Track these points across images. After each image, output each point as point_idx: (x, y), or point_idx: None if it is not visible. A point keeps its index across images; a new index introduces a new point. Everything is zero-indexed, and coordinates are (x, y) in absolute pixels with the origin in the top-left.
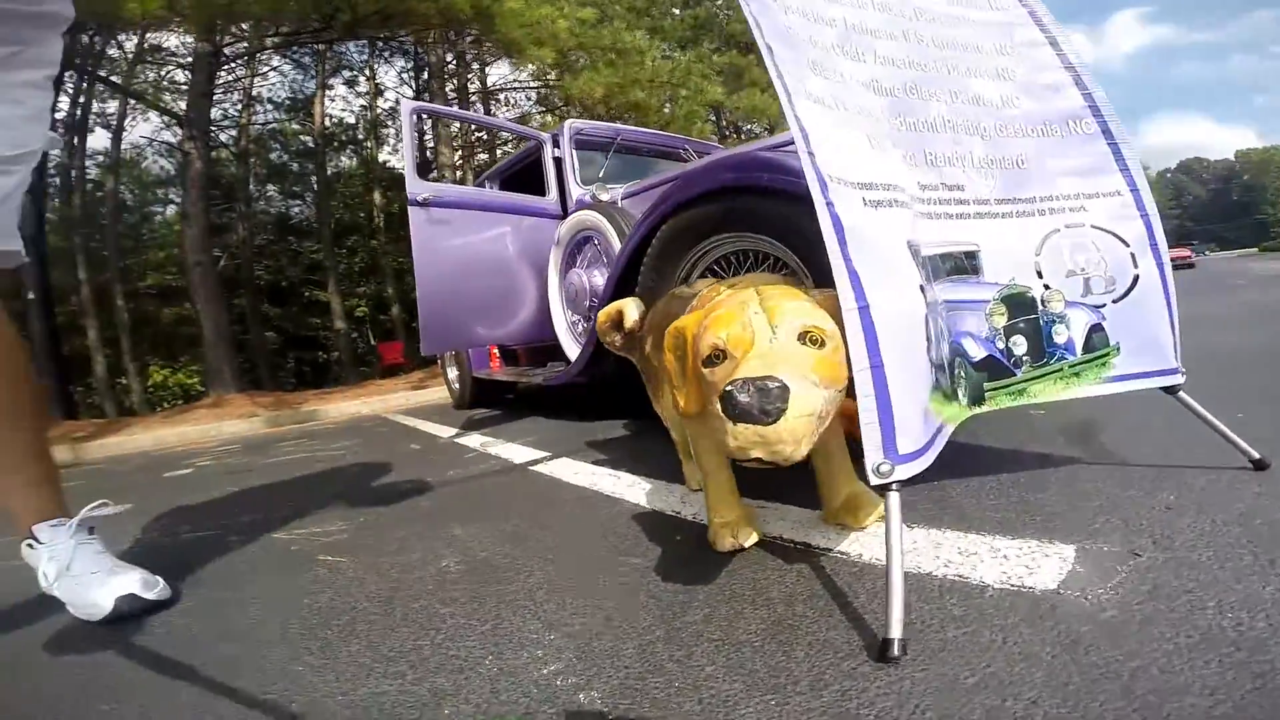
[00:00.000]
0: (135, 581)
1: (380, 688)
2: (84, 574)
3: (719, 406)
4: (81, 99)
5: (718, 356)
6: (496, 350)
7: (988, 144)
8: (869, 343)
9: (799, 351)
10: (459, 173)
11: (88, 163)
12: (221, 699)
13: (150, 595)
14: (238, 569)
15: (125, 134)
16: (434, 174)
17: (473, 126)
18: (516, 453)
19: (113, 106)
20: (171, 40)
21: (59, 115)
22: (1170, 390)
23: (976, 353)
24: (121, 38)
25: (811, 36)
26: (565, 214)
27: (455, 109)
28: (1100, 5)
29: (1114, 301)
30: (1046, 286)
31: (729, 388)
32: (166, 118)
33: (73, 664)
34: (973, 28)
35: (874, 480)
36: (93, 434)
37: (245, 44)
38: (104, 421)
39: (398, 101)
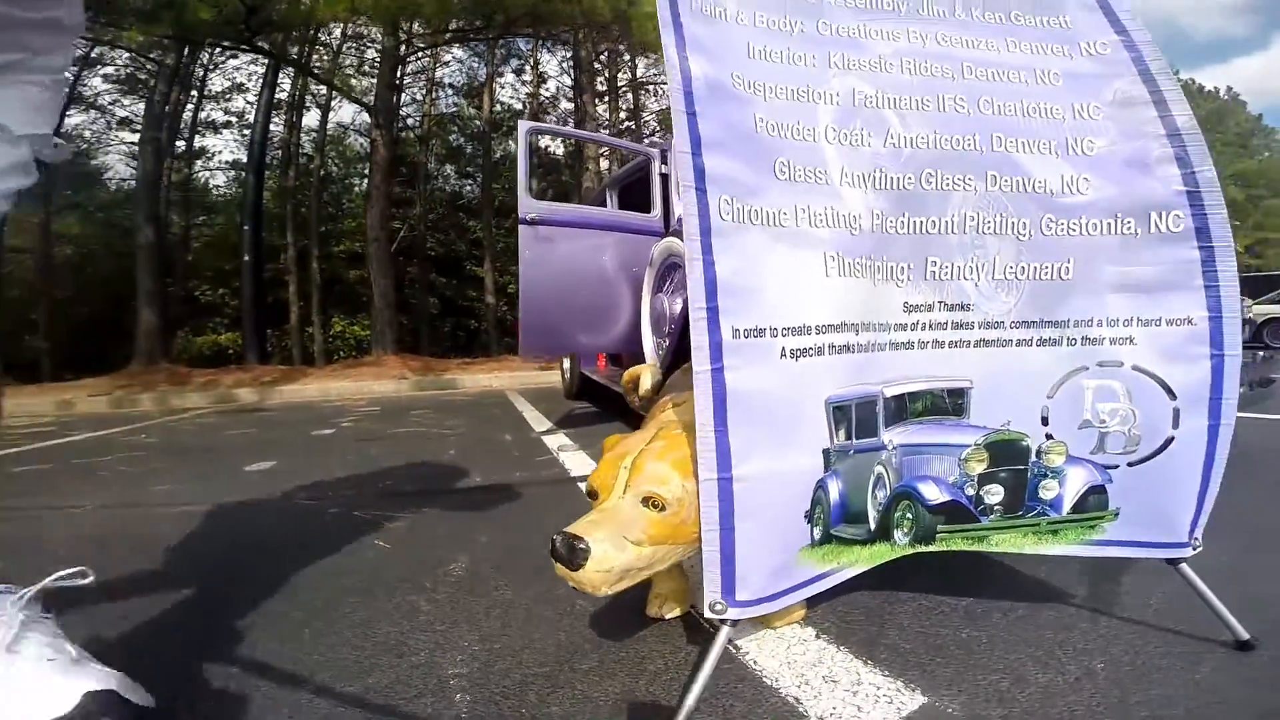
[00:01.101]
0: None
1: (324, 662)
2: (38, 659)
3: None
4: (299, 84)
5: (593, 494)
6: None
7: (1021, 247)
8: (722, 511)
9: (635, 513)
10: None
11: (302, 138)
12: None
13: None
14: (309, 538)
15: (331, 114)
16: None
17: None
18: (580, 463)
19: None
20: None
21: (281, 95)
22: (1171, 561)
23: (935, 497)
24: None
25: (795, 124)
26: (667, 231)
27: (569, 128)
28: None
29: (1130, 465)
30: (1049, 436)
31: (555, 535)
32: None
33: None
34: (1047, 85)
35: (708, 614)
36: (275, 380)
37: (423, 39)
38: (286, 369)
39: (558, 90)
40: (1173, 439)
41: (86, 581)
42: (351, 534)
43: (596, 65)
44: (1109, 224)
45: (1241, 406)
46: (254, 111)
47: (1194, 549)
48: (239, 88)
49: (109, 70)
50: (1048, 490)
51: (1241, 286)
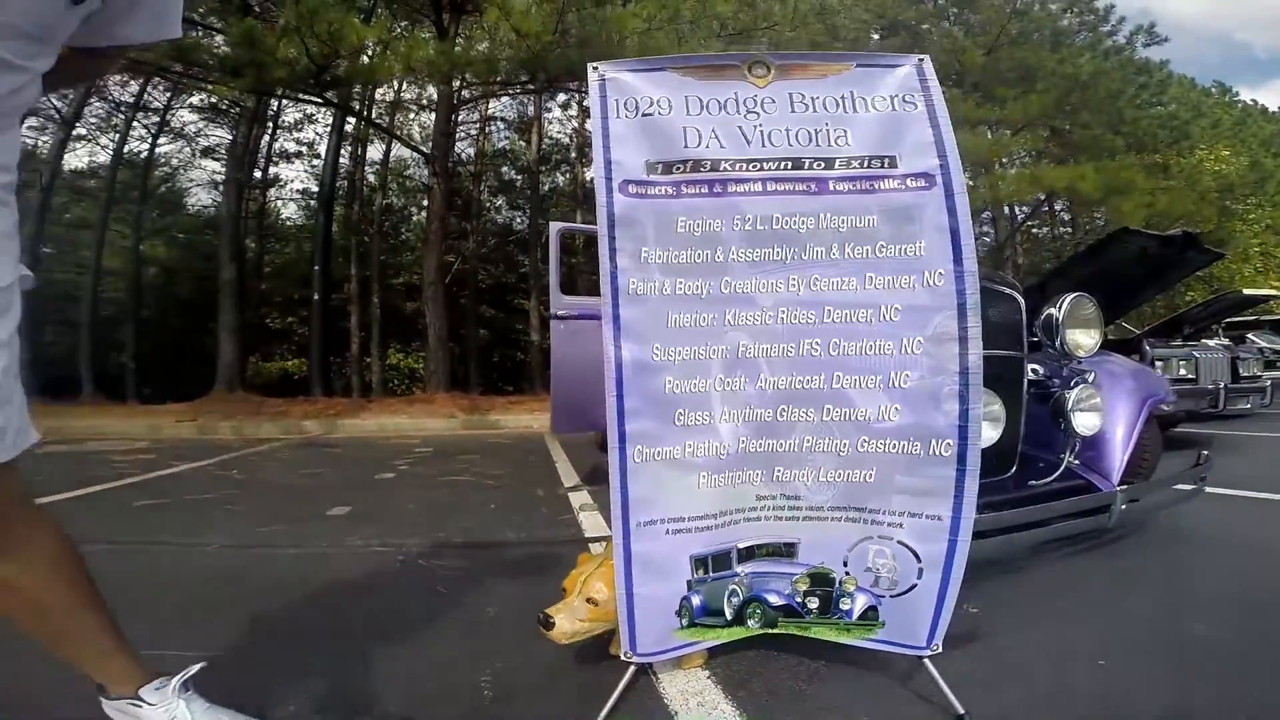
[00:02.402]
0: None
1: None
2: None
3: None
4: (362, 128)
5: (562, 592)
6: None
7: (840, 460)
8: (628, 608)
9: (581, 605)
10: None
11: (366, 171)
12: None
13: None
14: (385, 581)
15: (395, 147)
16: None
17: None
18: (595, 524)
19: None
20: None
21: (347, 128)
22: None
23: (777, 601)
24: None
25: (692, 384)
26: None
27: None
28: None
29: (891, 597)
30: (847, 573)
31: (540, 613)
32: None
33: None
34: (886, 322)
35: (623, 657)
36: (338, 413)
37: (475, 90)
38: (347, 401)
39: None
40: (916, 586)
41: (198, 668)
42: (416, 580)
43: None
44: (904, 445)
45: None
46: (324, 152)
47: (933, 651)
48: (309, 119)
49: (195, 100)
50: (845, 604)
51: None
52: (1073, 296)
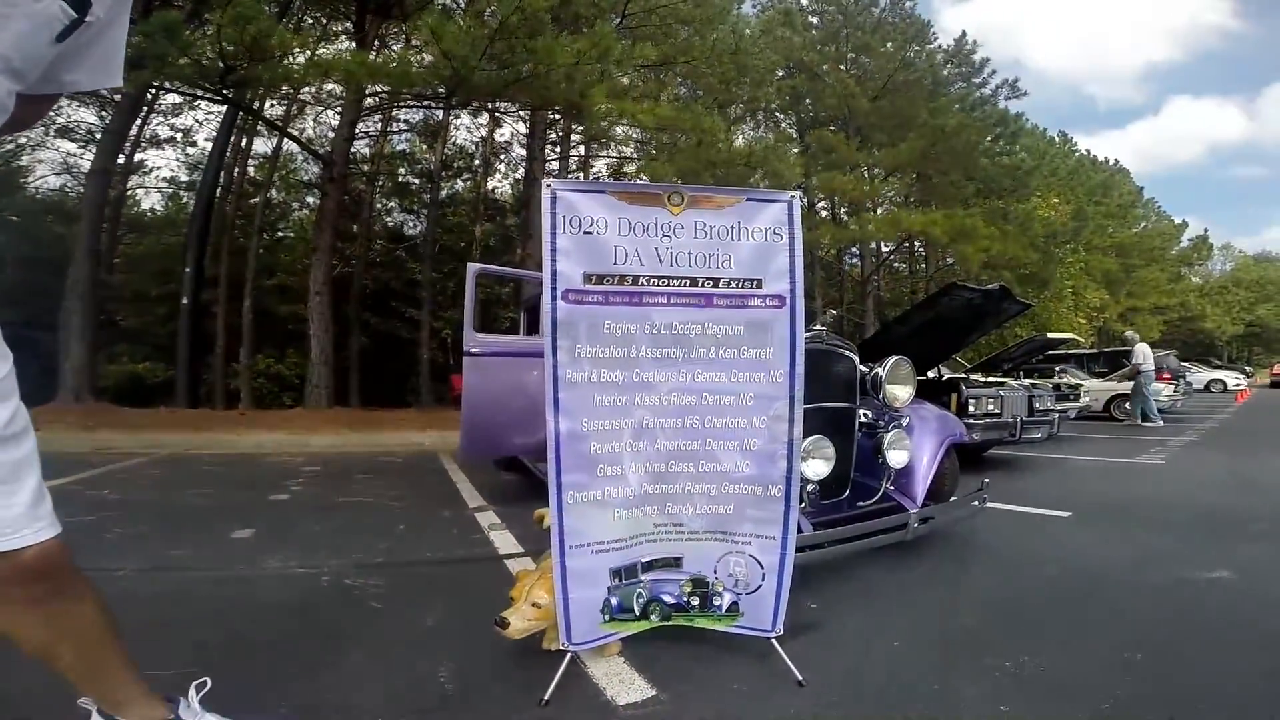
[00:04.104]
0: None
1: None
2: None
3: None
4: (254, 123)
5: (510, 600)
6: None
7: (710, 499)
8: (563, 608)
9: (528, 608)
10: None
11: (249, 164)
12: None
13: None
14: (317, 599)
15: (285, 143)
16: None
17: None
18: (507, 542)
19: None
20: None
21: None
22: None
23: (670, 600)
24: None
25: (610, 447)
26: None
27: (513, 269)
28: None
29: (746, 594)
30: (717, 579)
31: (497, 616)
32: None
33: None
34: (744, 404)
35: (558, 647)
36: (210, 426)
37: (384, 99)
38: (217, 413)
39: (512, 135)
40: (761, 586)
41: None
42: (348, 598)
43: (552, 117)
44: (752, 489)
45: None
46: (209, 148)
47: (778, 633)
48: (190, 104)
49: None
50: (717, 601)
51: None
52: (893, 359)
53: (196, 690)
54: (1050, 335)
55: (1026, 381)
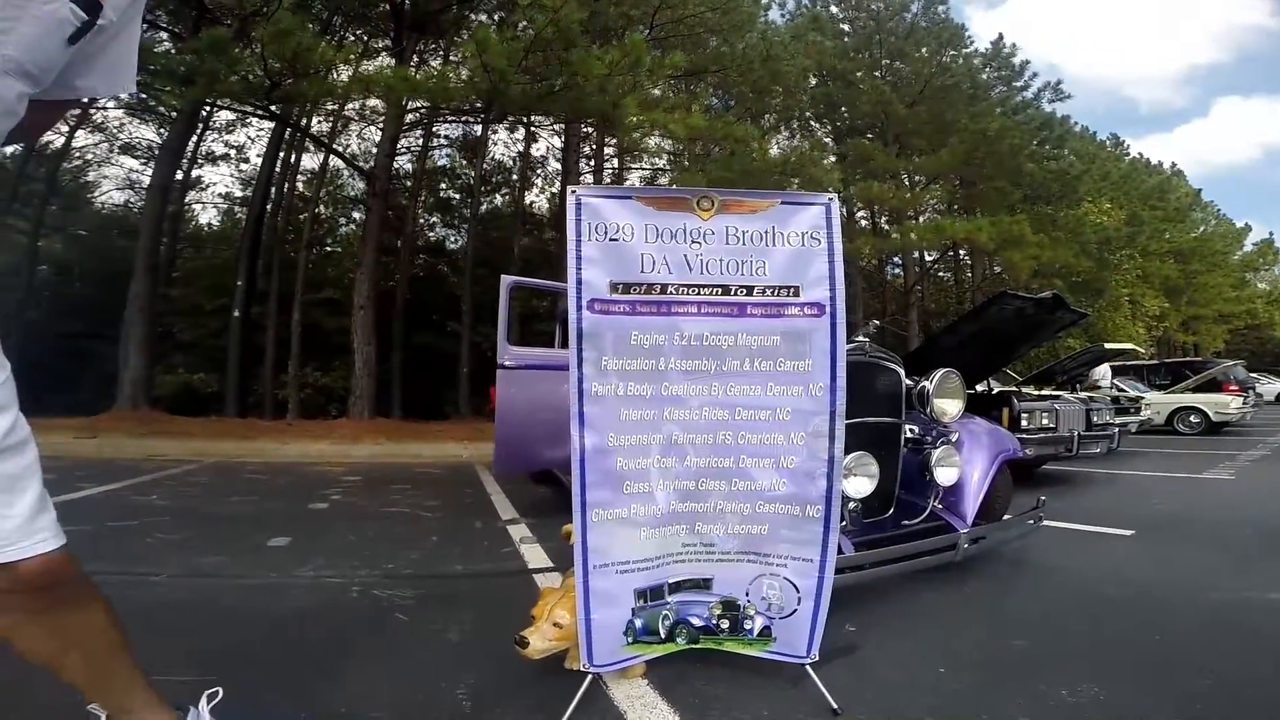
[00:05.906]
0: None
1: None
2: None
3: None
4: (301, 140)
5: (531, 619)
6: None
7: (743, 519)
8: (585, 629)
9: (549, 628)
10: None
11: (298, 179)
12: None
13: None
14: (345, 609)
15: (330, 158)
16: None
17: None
18: (537, 556)
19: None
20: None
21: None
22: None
23: (698, 623)
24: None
25: (637, 463)
26: None
27: (548, 281)
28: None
29: (780, 618)
30: (749, 601)
31: (517, 635)
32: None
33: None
34: (780, 420)
35: (580, 668)
36: (257, 436)
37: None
38: (266, 423)
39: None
40: (796, 610)
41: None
42: (376, 609)
43: (585, 130)
44: (788, 509)
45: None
46: (259, 164)
47: (812, 659)
48: (244, 121)
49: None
50: (748, 625)
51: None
52: (942, 372)
53: (208, 700)
54: (1107, 345)
55: (1083, 394)
